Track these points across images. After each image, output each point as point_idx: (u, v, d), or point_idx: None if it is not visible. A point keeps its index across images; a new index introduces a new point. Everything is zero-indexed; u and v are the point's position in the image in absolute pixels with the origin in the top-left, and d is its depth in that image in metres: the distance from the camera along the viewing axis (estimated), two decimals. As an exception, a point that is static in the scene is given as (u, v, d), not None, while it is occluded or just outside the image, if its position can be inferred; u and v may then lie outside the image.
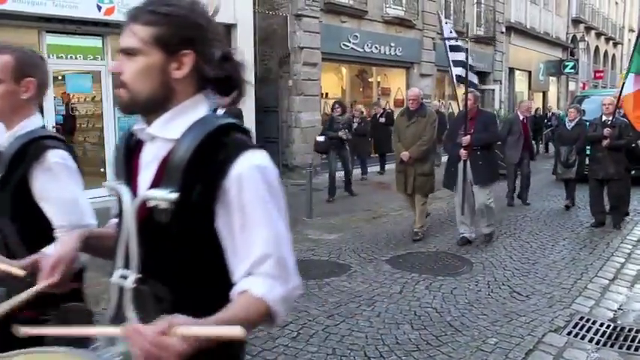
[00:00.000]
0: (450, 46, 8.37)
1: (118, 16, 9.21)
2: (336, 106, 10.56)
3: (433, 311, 4.79)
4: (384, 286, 5.43)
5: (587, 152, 8.52)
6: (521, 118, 9.96)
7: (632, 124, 7.65)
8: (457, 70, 8.36)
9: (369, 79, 16.21)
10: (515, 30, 22.27)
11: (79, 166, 1.99)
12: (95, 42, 9.66)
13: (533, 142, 15.84)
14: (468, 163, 6.76)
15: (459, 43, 8.96)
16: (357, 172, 11.88)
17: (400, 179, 7.30)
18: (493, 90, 20.78)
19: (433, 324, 4.51)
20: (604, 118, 7.91)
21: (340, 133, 9.98)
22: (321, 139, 10.28)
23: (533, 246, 7.03)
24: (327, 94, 14.58)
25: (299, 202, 9.16)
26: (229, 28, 11.60)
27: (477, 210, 6.96)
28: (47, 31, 8.92)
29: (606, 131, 7.63)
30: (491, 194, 6.96)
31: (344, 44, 13.92)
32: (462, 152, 6.71)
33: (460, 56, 8.48)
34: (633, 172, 8.55)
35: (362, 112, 12.65)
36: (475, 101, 7.00)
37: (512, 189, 9.94)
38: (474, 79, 8.78)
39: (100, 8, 9.00)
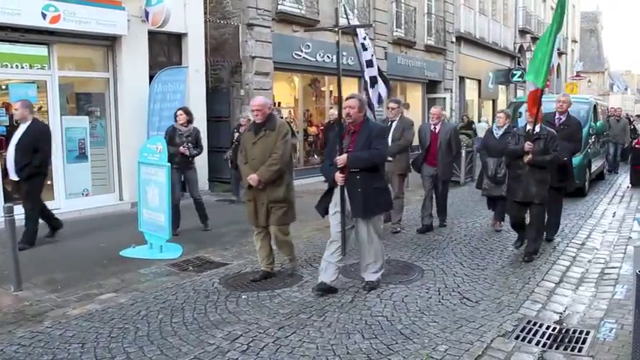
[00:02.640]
0: (361, 44, 7.38)
1: (63, 25, 9.01)
2: (179, 113, 8.27)
3: (384, 320, 4.80)
4: (335, 295, 5.41)
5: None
6: (431, 127, 8.35)
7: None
8: (371, 72, 7.77)
9: (322, 89, 16.27)
10: (465, 40, 22.77)
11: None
12: (40, 50, 9.40)
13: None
14: (346, 189, 5.33)
15: (366, 41, 8.13)
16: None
17: (250, 208, 5.82)
18: (444, 98, 21.18)
19: (384, 332, 4.52)
20: (528, 127, 6.65)
21: (181, 149, 7.98)
22: None
23: (483, 252, 7.14)
24: (279, 103, 14.58)
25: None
26: (180, 37, 11.51)
27: (362, 247, 5.63)
28: (-12, 39, 8.65)
29: (527, 145, 6.42)
30: (375, 229, 5.56)
31: (296, 54, 13.95)
32: (337, 176, 5.27)
33: (368, 55, 7.90)
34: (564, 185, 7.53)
35: (249, 120, 11.52)
36: (360, 110, 5.41)
37: (428, 206, 8.45)
38: (381, 87, 8.02)
39: (44, 16, 8.74)
